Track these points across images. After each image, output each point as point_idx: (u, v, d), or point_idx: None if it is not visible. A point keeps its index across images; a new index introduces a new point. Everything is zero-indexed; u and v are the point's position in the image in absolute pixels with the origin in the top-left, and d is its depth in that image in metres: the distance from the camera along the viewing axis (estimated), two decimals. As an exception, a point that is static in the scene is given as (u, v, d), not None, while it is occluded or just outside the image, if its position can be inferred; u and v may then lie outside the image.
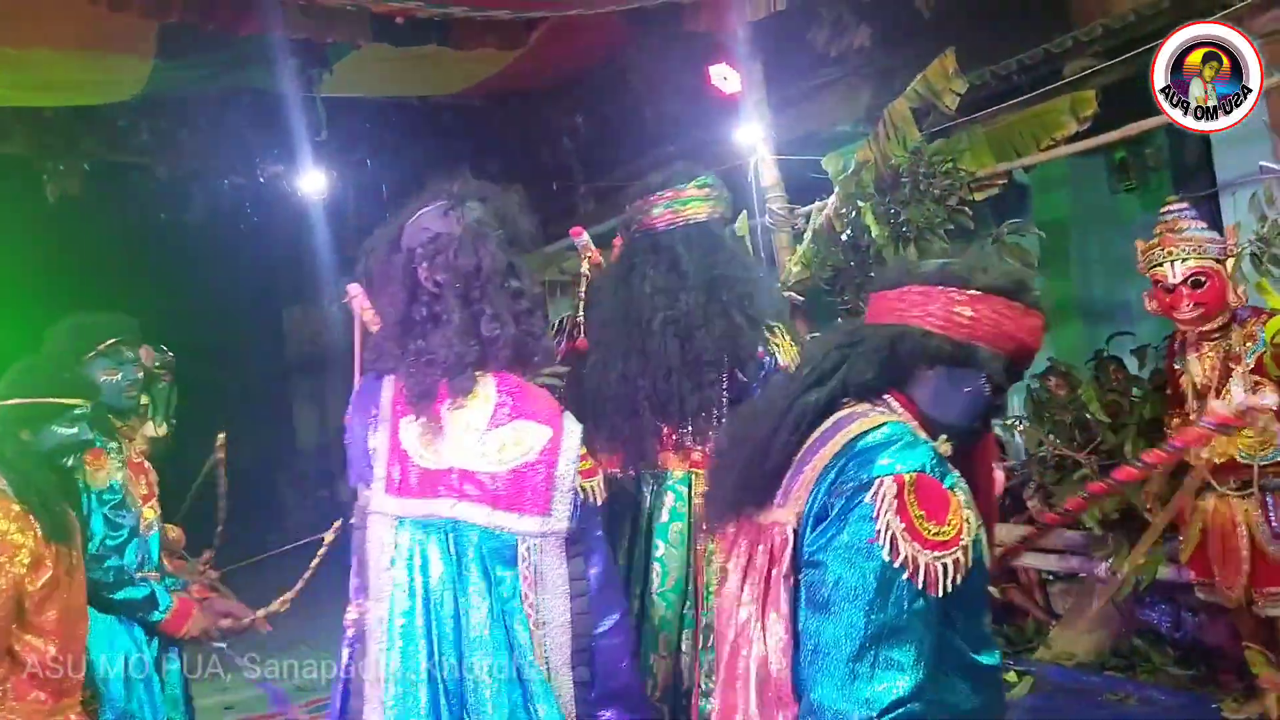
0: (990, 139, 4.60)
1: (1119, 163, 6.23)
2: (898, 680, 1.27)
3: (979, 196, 4.56)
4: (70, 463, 2.58)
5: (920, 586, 1.30)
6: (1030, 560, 4.81)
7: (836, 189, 4.89)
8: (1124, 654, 4.59)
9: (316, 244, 8.66)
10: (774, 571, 1.43)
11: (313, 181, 7.76)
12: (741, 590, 1.48)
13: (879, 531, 1.31)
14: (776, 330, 2.38)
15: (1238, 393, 3.34)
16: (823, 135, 6.07)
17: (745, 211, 5.49)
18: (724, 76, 5.50)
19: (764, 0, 4.61)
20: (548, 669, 1.78)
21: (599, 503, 1.91)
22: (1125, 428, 4.35)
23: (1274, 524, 3.48)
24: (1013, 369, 1.50)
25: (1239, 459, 3.50)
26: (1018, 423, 4.87)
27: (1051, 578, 5.01)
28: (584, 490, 1.84)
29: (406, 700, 1.76)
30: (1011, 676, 4.47)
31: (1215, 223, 4.07)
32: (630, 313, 2.27)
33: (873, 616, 1.29)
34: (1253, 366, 3.47)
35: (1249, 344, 3.51)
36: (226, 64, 5.68)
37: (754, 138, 5.35)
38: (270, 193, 8.54)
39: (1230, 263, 3.55)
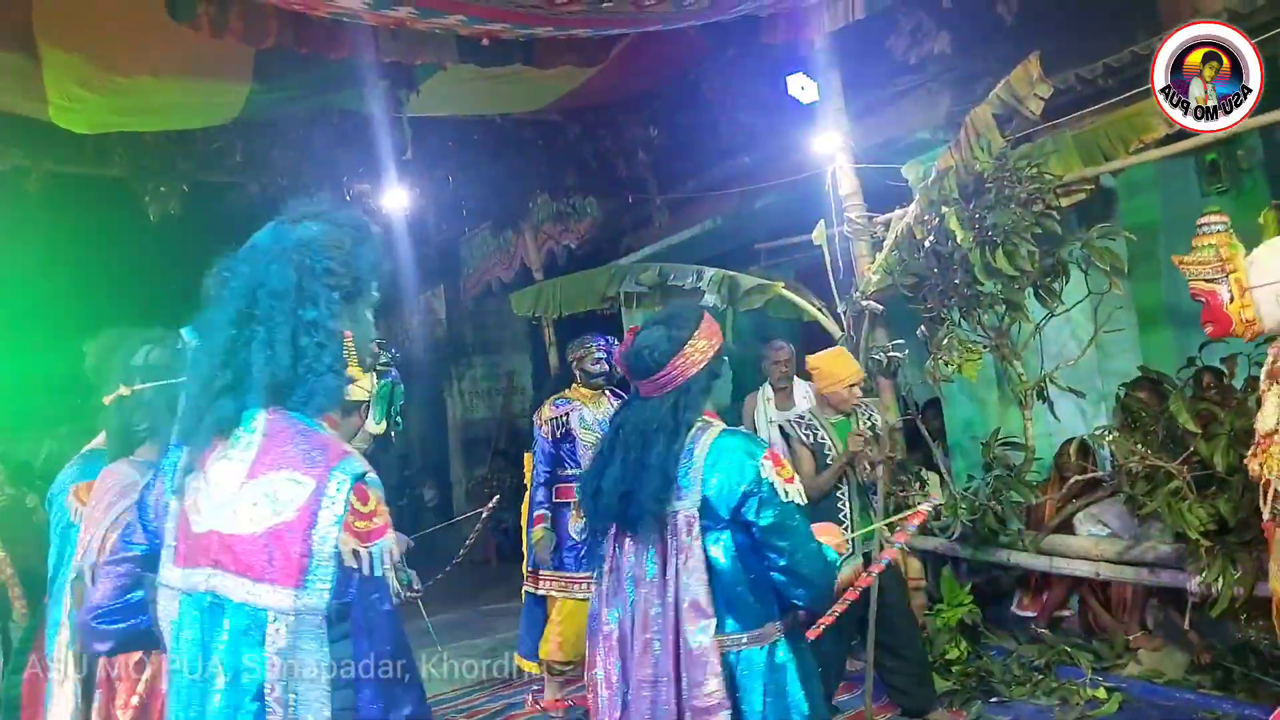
0: (1077, 143, 4.53)
1: (1210, 165, 6.04)
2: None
3: (1065, 201, 4.48)
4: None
5: None
6: (1122, 574, 4.69)
7: (917, 196, 4.86)
8: (1219, 671, 4.44)
9: (399, 259, 8.89)
10: (686, 541, 2.27)
11: (396, 198, 7.99)
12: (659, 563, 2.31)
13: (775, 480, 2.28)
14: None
15: (1269, 411, 3.04)
16: (902, 143, 6.03)
17: (822, 220, 5.49)
18: (801, 86, 5.52)
19: (842, 9, 4.62)
20: None
21: (382, 572, 1.53)
22: (1217, 438, 4.21)
23: None
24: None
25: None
26: (1106, 433, 4.74)
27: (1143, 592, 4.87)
28: (357, 556, 1.49)
29: None
30: (1100, 693, 4.38)
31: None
32: None
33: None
34: None
35: None
36: (318, 86, 5.90)
37: (832, 146, 5.34)
38: (356, 209, 8.77)
39: (1232, 279, 3.15)
